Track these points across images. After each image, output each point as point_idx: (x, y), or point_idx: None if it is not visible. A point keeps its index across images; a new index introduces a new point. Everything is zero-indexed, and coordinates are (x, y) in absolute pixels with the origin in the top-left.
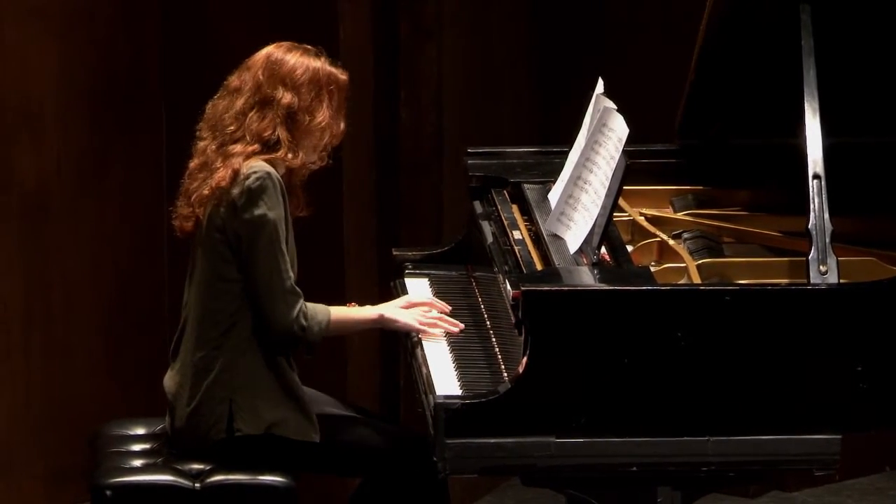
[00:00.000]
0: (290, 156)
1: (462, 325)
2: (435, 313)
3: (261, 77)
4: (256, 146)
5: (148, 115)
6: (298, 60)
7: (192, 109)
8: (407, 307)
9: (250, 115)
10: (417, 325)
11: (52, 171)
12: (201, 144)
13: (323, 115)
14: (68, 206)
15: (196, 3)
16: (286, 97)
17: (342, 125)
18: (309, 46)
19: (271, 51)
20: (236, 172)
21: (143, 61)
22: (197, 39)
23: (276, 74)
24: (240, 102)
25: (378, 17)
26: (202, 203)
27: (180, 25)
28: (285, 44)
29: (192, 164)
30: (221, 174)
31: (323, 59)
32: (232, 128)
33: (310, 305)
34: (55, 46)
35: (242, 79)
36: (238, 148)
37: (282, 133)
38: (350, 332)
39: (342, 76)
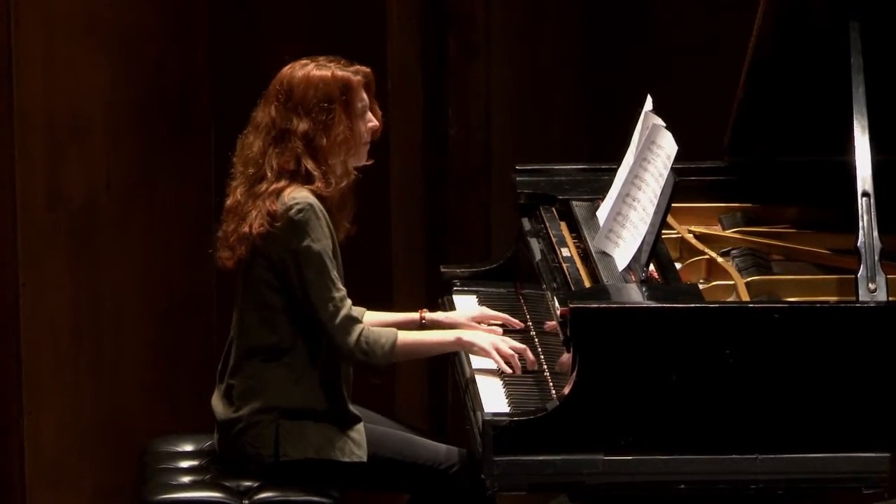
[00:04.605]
0: (320, 185)
1: (536, 363)
2: (513, 343)
3: (273, 113)
4: (283, 182)
5: (197, 130)
6: (308, 79)
7: (241, 124)
8: (479, 319)
9: (269, 151)
10: (495, 356)
11: (102, 185)
12: (234, 184)
13: (340, 128)
14: (117, 220)
15: (245, 19)
16: (301, 125)
17: (370, 123)
18: (321, 58)
19: (281, 77)
20: (271, 213)
21: (193, 77)
22: (246, 55)
23: (288, 104)
24: (259, 141)
25: (426, 34)
26: (241, 243)
27: (229, 41)
28: (295, 63)
29: (227, 202)
30: (259, 221)
31: (335, 65)
32: (253, 169)
33: (374, 330)
34: (105, 62)
35: (259, 115)
36: (264, 187)
37: (307, 163)
38: (425, 356)
39: (355, 77)
